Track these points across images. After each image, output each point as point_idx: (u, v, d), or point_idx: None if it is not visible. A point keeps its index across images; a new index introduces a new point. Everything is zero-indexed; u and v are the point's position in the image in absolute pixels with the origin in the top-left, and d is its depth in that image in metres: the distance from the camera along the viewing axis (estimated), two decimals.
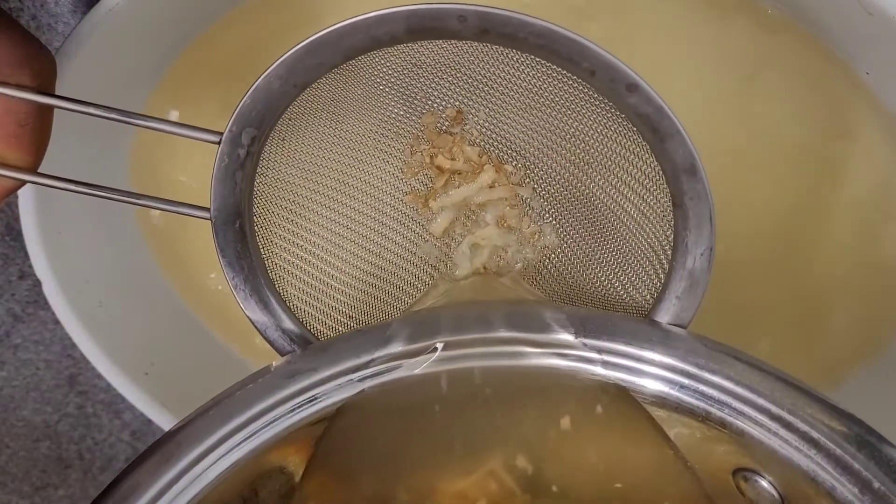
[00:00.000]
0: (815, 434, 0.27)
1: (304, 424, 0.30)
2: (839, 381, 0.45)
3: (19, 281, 0.52)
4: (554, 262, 0.34)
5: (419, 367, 0.30)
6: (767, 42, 0.40)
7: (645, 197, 0.31)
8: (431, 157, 0.33)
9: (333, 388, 0.30)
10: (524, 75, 0.31)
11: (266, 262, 0.34)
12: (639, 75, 0.28)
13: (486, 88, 0.32)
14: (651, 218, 0.32)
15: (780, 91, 0.41)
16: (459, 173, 0.33)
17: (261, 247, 0.34)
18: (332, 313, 0.35)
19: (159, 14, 0.40)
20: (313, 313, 0.35)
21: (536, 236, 0.34)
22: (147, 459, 0.28)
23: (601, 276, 0.34)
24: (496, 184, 0.33)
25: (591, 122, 0.31)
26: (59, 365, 0.55)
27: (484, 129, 0.33)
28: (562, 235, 0.34)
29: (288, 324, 0.34)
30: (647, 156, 0.30)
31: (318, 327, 0.35)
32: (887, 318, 0.43)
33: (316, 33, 0.28)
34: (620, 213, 0.32)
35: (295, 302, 0.35)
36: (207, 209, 0.32)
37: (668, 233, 0.31)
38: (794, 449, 0.27)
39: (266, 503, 0.31)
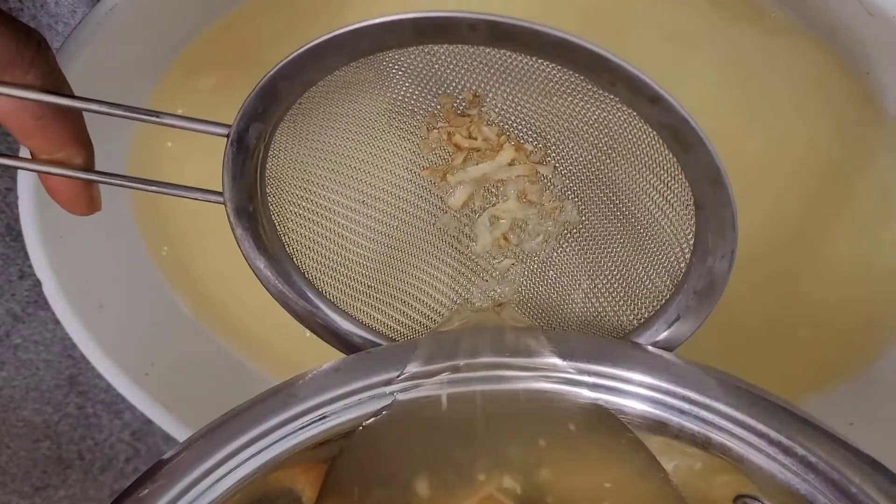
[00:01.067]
0: (812, 458, 0.27)
1: (312, 444, 0.30)
2: (839, 386, 0.45)
3: (19, 281, 0.52)
4: (576, 236, 0.34)
5: (431, 388, 0.31)
6: (771, 45, 0.40)
7: (668, 190, 0.31)
8: (449, 134, 0.32)
9: (342, 407, 0.30)
10: (544, 65, 0.30)
11: (283, 238, 0.34)
12: (660, 87, 0.27)
13: (503, 74, 0.31)
14: (674, 210, 0.31)
15: (783, 93, 0.41)
16: (478, 150, 0.33)
17: (277, 225, 0.34)
18: (353, 284, 0.35)
19: (159, 14, 0.40)
20: (334, 285, 0.35)
21: (558, 212, 0.33)
22: (152, 476, 0.29)
23: (623, 256, 0.33)
24: (516, 162, 0.33)
25: (615, 113, 0.30)
26: (59, 365, 0.55)
27: (502, 112, 0.32)
28: (583, 213, 0.33)
29: (311, 298, 0.35)
30: (671, 156, 0.30)
31: (341, 297, 0.35)
32: (889, 323, 0.43)
33: (319, 38, 0.28)
34: (644, 199, 0.32)
35: (315, 275, 0.35)
36: (220, 193, 0.32)
37: (691, 226, 0.31)
38: (792, 474, 0.28)
39: None
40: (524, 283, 0.35)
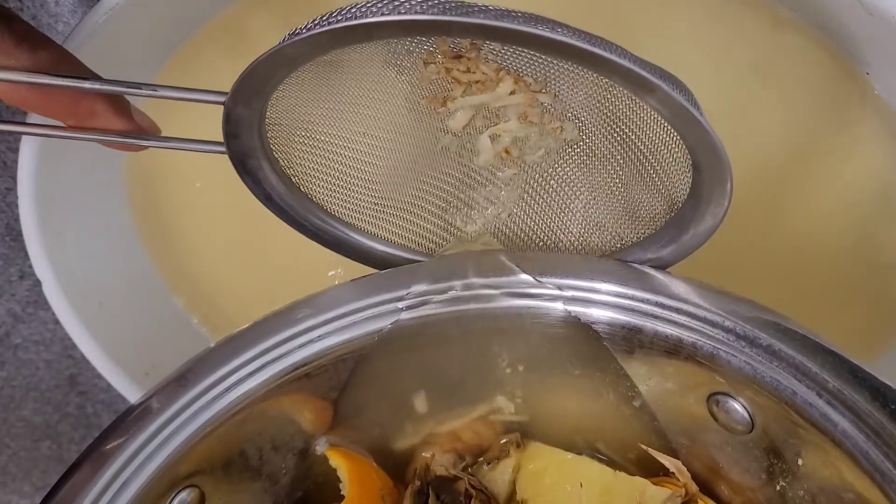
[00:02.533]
0: (777, 347, 0.30)
1: (331, 356, 0.32)
2: None
3: (19, 281, 0.52)
4: (577, 152, 0.34)
5: (432, 308, 0.33)
6: (773, 43, 0.40)
7: (670, 137, 0.31)
8: (447, 69, 0.32)
9: (353, 321, 0.32)
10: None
11: (289, 171, 0.35)
12: (657, 79, 0.27)
13: (505, 41, 0.30)
14: (677, 147, 0.31)
15: (784, 90, 0.41)
16: (477, 82, 0.33)
17: (281, 161, 0.35)
18: (363, 204, 0.36)
19: (158, 13, 0.40)
20: (345, 205, 0.36)
21: (558, 131, 0.33)
22: (164, 385, 0.31)
23: (623, 176, 0.34)
24: (516, 92, 0.32)
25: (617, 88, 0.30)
26: (59, 365, 0.55)
27: (501, 54, 0.31)
28: (584, 133, 0.33)
29: (324, 219, 0.37)
30: (671, 129, 0.30)
31: (353, 216, 0.37)
32: (888, 321, 0.43)
33: (302, 33, 0.28)
34: (646, 131, 0.32)
35: (325, 200, 0.36)
36: (222, 143, 0.33)
37: (688, 176, 0.31)
38: (757, 363, 0.30)
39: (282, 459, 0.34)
40: (527, 189, 0.36)
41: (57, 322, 0.44)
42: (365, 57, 0.32)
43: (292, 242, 0.47)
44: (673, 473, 0.34)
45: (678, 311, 0.31)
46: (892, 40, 0.35)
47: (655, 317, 0.32)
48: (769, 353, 0.30)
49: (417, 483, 0.35)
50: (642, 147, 0.32)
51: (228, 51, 0.43)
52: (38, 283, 0.44)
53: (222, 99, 0.31)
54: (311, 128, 0.34)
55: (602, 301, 0.32)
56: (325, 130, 0.34)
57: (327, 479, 0.34)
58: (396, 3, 0.26)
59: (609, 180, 0.34)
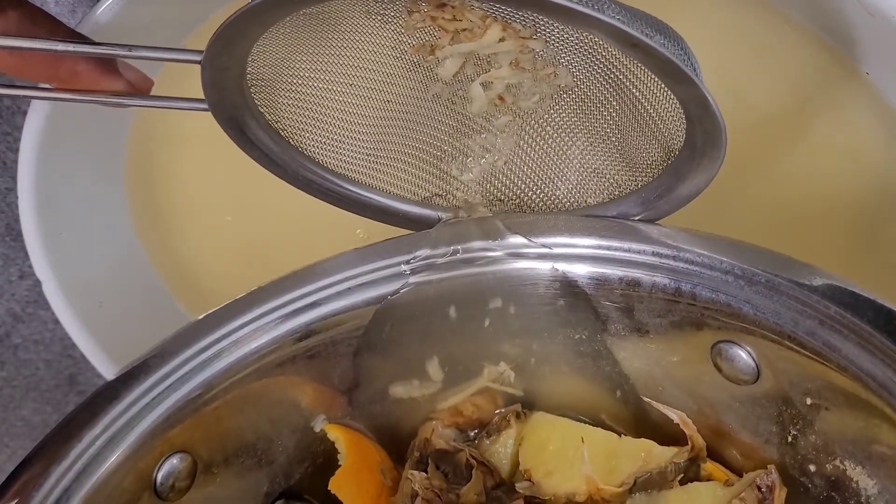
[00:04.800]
0: (775, 281, 0.29)
1: (309, 330, 0.32)
2: None
3: (19, 281, 0.52)
4: (572, 97, 0.33)
5: (434, 273, 0.33)
6: (773, 42, 0.40)
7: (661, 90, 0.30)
8: (432, 18, 0.31)
9: (333, 294, 0.32)
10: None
11: (277, 125, 0.34)
12: (640, 31, 0.26)
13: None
14: (670, 103, 0.30)
15: (784, 90, 0.41)
16: (465, 30, 0.32)
17: (268, 115, 0.34)
18: (356, 159, 0.36)
19: (158, 11, 0.40)
20: (338, 157, 0.36)
21: (552, 76, 0.32)
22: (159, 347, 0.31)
23: (619, 121, 0.33)
24: (505, 39, 0.31)
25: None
26: (59, 365, 0.55)
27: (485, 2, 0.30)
28: (577, 79, 0.32)
29: (318, 171, 0.36)
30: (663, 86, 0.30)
31: (347, 167, 0.36)
32: None
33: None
34: (643, 79, 0.31)
35: (318, 153, 0.36)
36: (204, 101, 0.32)
37: (683, 124, 0.31)
38: (758, 300, 0.30)
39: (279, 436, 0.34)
40: (522, 136, 0.35)
41: (57, 322, 0.44)
42: (346, 7, 0.31)
43: (293, 243, 0.47)
44: (678, 426, 0.34)
45: (675, 258, 0.31)
46: (893, 40, 0.35)
47: (652, 267, 0.31)
48: (769, 287, 0.29)
49: (417, 454, 0.35)
50: (637, 94, 0.31)
51: None
52: (38, 283, 0.44)
53: (198, 57, 0.30)
54: (296, 81, 0.33)
55: (595, 256, 0.32)
56: (310, 83, 0.34)
57: (326, 459, 0.34)
58: None
59: (605, 126, 0.33)
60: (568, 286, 0.33)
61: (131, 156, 0.46)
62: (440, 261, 0.33)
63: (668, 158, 0.32)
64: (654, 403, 0.34)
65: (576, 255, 0.32)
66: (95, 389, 0.29)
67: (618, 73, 0.31)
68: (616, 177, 0.34)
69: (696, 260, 0.31)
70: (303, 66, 0.33)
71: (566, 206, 0.36)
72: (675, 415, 0.34)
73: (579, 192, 0.36)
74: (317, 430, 0.34)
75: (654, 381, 0.34)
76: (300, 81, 0.33)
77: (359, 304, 0.32)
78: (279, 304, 0.32)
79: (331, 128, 0.35)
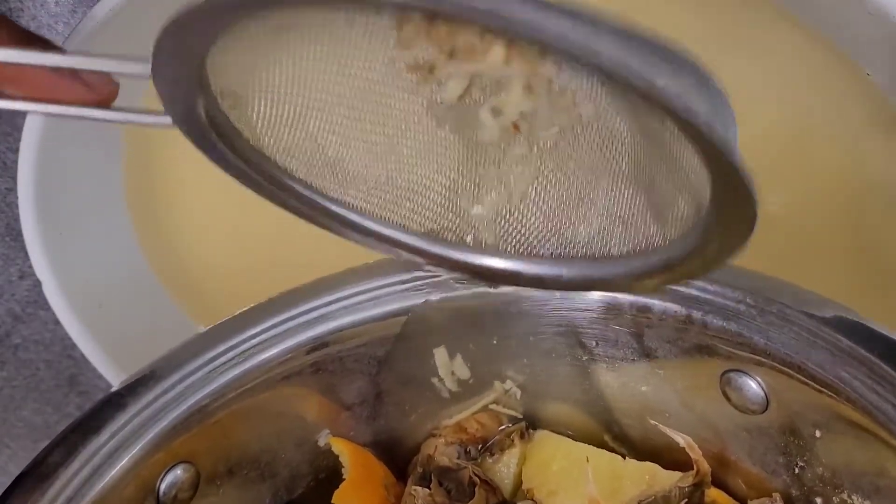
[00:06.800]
0: (787, 311, 0.29)
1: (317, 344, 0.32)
2: None
3: (19, 281, 0.52)
4: (595, 131, 0.29)
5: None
6: (772, 42, 0.40)
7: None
8: (427, 31, 0.27)
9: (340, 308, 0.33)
10: None
11: (258, 144, 0.31)
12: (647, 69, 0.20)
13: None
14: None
15: (783, 89, 0.41)
16: (466, 49, 0.27)
17: (245, 134, 0.30)
18: (353, 187, 0.33)
19: (159, 14, 0.40)
20: (335, 189, 0.33)
21: (571, 106, 0.28)
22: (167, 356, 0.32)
23: (647, 165, 0.29)
24: (511, 60, 0.26)
25: None
26: (59, 365, 0.55)
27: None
28: (599, 108, 0.28)
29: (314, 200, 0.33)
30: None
31: (341, 197, 0.33)
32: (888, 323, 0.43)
33: None
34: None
35: (308, 175, 0.32)
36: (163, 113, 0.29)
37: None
38: (769, 330, 0.29)
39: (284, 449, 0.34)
40: (541, 170, 0.32)
41: (57, 322, 0.44)
42: (323, 19, 0.27)
43: (294, 243, 0.47)
44: (682, 451, 0.34)
45: (686, 285, 0.31)
46: (893, 40, 0.35)
47: (664, 292, 0.31)
48: (780, 318, 0.29)
49: (420, 470, 0.35)
50: (665, 134, 0.27)
51: None
52: (38, 283, 0.44)
53: (145, 71, 0.26)
54: (274, 98, 0.29)
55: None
56: (291, 100, 0.30)
57: (329, 474, 0.34)
58: None
59: (632, 168, 0.30)
60: (579, 309, 0.33)
61: (131, 156, 0.46)
62: (451, 279, 0.33)
63: (699, 213, 0.28)
64: (661, 427, 0.34)
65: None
66: (101, 398, 0.29)
67: (643, 112, 0.27)
68: (643, 228, 0.31)
69: (708, 287, 0.31)
70: (279, 82, 0.29)
71: (587, 252, 0.33)
72: (681, 438, 0.34)
73: (602, 239, 0.33)
74: (321, 444, 0.34)
75: (661, 405, 0.34)
76: (278, 98, 0.30)
77: (368, 319, 0.32)
78: (288, 317, 0.32)
79: (319, 151, 0.32)
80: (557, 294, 0.32)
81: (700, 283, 0.31)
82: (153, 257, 0.48)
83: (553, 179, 0.32)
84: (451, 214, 0.33)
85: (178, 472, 0.30)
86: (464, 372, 0.35)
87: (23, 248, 0.44)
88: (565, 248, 0.33)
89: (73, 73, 0.30)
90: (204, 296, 0.49)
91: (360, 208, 0.33)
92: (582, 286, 0.34)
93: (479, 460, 0.36)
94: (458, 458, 0.36)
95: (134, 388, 0.30)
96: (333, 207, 0.33)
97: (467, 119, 0.30)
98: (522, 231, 0.33)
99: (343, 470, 0.33)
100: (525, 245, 0.34)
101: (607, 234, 0.32)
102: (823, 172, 0.42)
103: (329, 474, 0.34)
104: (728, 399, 0.32)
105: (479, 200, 0.33)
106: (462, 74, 0.29)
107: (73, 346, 0.45)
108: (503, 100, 0.29)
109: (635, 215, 0.32)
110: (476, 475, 0.34)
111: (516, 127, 0.30)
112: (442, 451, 0.36)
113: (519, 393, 0.36)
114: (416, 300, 0.32)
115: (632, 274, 0.32)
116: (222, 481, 0.32)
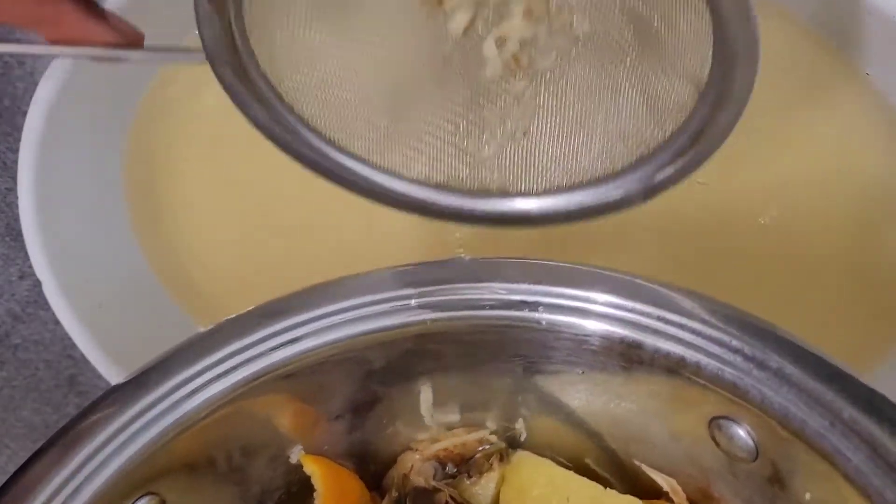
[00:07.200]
0: (788, 370, 0.27)
1: (289, 366, 0.30)
2: None
3: (19, 281, 0.52)
4: (591, 49, 0.30)
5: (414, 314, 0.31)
6: (772, 41, 0.40)
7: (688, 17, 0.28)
8: None
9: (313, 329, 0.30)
10: None
11: (278, 88, 0.32)
12: None
13: None
14: (693, 12, 0.28)
15: (783, 89, 0.41)
16: None
17: (269, 74, 0.32)
18: (362, 126, 0.33)
19: (159, 13, 0.40)
20: (343, 129, 0.33)
21: (568, 25, 0.30)
22: (124, 385, 0.30)
23: (643, 67, 0.31)
24: None
25: None
26: (59, 365, 0.54)
27: None
28: (595, 23, 0.30)
29: (319, 146, 0.33)
30: None
31: (352, 142, 0.34)
32: (888, 325, 0.43)
33: None
34: (660, 7, 0.29)
35: (321, 122, 0.33)
36: (200, 51, 0.30)
37: (709, 33, 0.28)
38: (766, 387, 0.27)
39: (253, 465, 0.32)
40: (541, 103, 0.32)
41: (57, 322, 0.44)
42: None
43: (294, 243, 0.47)
44: (667, 494, 0.33)
45: (682, 326, 0.29)
46: (893, 40, 0.35)
47: (657, 332, 0.29)
48: (779, 376, 0.27)
49: (395, 494, 0.34)
50: (658, 25, 0.29)
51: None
52: (38, 283, 0.44)
53: None
54: (296, 32, 0.31)
55: (598, 312, 0.30)
56: (311, 35, 0.31)
57: (301, 489, 0.33)
58: None
59: (628, 76, 0.31)
60: (570, 339, 0.31)
61: (131, 156, 0.46)
62: (444, 298, 0.31)
63: (698, 91, 0.30)
64: (645, 467, 0.33)
65: (582, 310, 0.30)
66: (60, 428, 0.28)
67: (635, 5, 0.29)
68: (643, 133, 0.32)
69: (704, 332, 0.29)
70: (302, 14, 0.30)
71: (592, 175, 0.33)
72: (665, 482, 0.33)
73: (605, 159, 0.33)
74: (293, 461, 0.33)
75: (647, 436, 0.33)
76: (301, 32, 0.31)
77: (344, 337, 0.30)
78: (260, 339, 0.30)
79: (337, 90, 0.32)
80: (544, 322, 0.31)
81: (697, 326, 0.29)
82: (153, 257, 0.48)
83: (554, 111, 0.32)
84: (457, 162, 0.34)
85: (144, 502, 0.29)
86: (451, 416, 0.35)
87: (23, 248, 0.44)
88: (571, 176, 0.33)
89: (102, 15, 0.31)
90: (204, 296, 0.49)
91: (370, 160, 0.33)
92: (599, 210, 0.33)
93: (457, 480, 0.35)
94: (435, 476, 0.35)
95: (84, 426, 0.28)
96: (342, 159, 0.33)
97: (472, 57, 0.31)
98: (530, 168, 0.33)
99: (315, 494, 0.32)
100: (533, 182, 0.34)
101: (610, 152, 0.33)
102: (823, 172, 0.42)
103: (301, 486, 0.33)
104: (717, 444, 0.30)
105: (486, 142, 0.33)
106: (468, 2, 0.29)
107: (73, 346, 0.45)
108: (505, 27, 0.30)
109: (635, 124, 0.32)
110: (453, 498, 0.33)
111: (517, 59, 0.31)
112: (418, 470, 0.34)
113: (524, 429, 0.36)
114: (406, 318, 0.31)
115: (645, 180, 0.32)
116: (191, 500, 0.31)
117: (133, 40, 0.32)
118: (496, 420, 0.35)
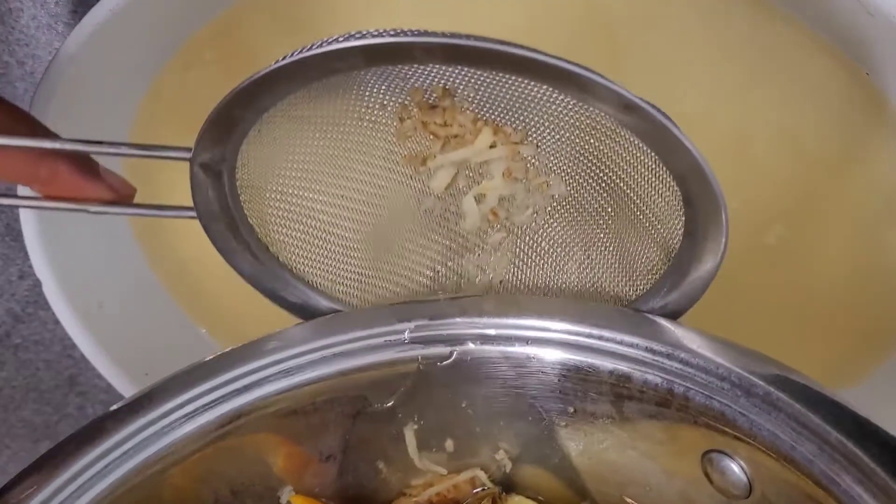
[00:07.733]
0: (775, 396, 0.27)
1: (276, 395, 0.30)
2: (840, 390, 0.45)
3: (19, 281, 0.52)
4: (566, 208, 0.32)
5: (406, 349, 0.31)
6: (771, 43, 0.40)
7: (658, 168, 0.29)
8: (423, 123, 0.31)
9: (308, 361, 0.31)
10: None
11: (265, 240, 0.34)
12: (635, 95, 0.26)
13: (472, 65, 0.29)
14: (665, 187, 0.30)
15: (783, 90, 0.41)
16: (455, 136, 0.31)
17: (257, 229, 0.33)
18: (344, 275, 0.35)
19: (158, 13, 0.40)
20: (326, 276, 0.35)
21: (545, 186, 0.32)
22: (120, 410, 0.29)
23: (615, 228, 0.32)
24: (496, 144, 0.31)
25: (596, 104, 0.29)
26: (59, 365, 0.55)
27: (476, 101, 0.31)
28: (571, 186, 0.32)
29: (304, 291, 0.35)
30: (655, 156, 0.29)
31: (334, 287, 0.35)
32: (891, 328, 0.43)
33: (265, 69, 0.27)
34: (633, 175, 0.30)
35: (305, 271, 0.35)
36: (192, 209, 0.32)
37: (681, 212, 0.30)
38: (754, 414, 0.28)
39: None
40: (517, 253, 0.34)
41: (57, 322, 0.44)
42: (337, 112, 0.31)
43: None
44: None
45: (669, 357, 0.29)
46: (893, 40, 0.35)
47: (644, 363, 0.29)
48: (767, 402, 0.27)
49: None
50: (630, 193, 0.31)
51: (231, 50, 0.43)
52: (38, 283, 0.44)
53: (187, 155, 0.30)
54: (285, 189, 0.33)
55: (586, 345, 0.30)
56: (300, 193, 0.33)
57: None
58: (359, 34, 0.26)
59: (602, 236, 0.33)
60: (559, 374, 0.31)
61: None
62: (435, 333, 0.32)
63: (669, 258, 0.32)
64: None
65: (567, 343, 0.31)
66: (35, 460, 0.27)
67: (609, 173, 0.31)
68: (616, 289, 0.34)
69: (691, 361, 0.29)
70: (293, 174, 0.32)
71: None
72: None
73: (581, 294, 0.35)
74: (283, 502, 0.33)
75: (640, 477, 0.33)
76: (290, 190, 0.33)
77: (335, 374, 0.31)
78: (249, 371, 0.30)
79: (320, 242, 0.34)
80: (532, 358, 0.31)
81: (684, 356, 0.29)
82: (153, 257, 0.48)
83: (529, 261, 0.35)
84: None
85: None
86: (439, 457, 0.35)
87: (23, 248, 0.44)
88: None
89: (95, 172, 0.33)
90: (204, 296, 0.49)
91: (352, 304, 0.35)
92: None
93: None
94: None
95: (76, 447, 0.28)
96: (326, 302, 0.35)
97: (451, 210, 0.33)
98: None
99: None
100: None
101: (581, 298, 0.34)
102: (823, 173, 0.42)
103: None
104: (710, 480, 0.30)
105: (462, 291, 0.35)
106: (451, 163, 0.32)
107: (73, 346, 0.45)
108: (485, 185, 0.33)
109: (607, 279, 0.34)
110: None
111: (495, 213, 0.33)
112: None
113: (510, 465, 0.35)
114: (397, 354, 0.31)
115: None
116: None
117: (126, 195, 0.34)
118: (485, 458, 0.35)
